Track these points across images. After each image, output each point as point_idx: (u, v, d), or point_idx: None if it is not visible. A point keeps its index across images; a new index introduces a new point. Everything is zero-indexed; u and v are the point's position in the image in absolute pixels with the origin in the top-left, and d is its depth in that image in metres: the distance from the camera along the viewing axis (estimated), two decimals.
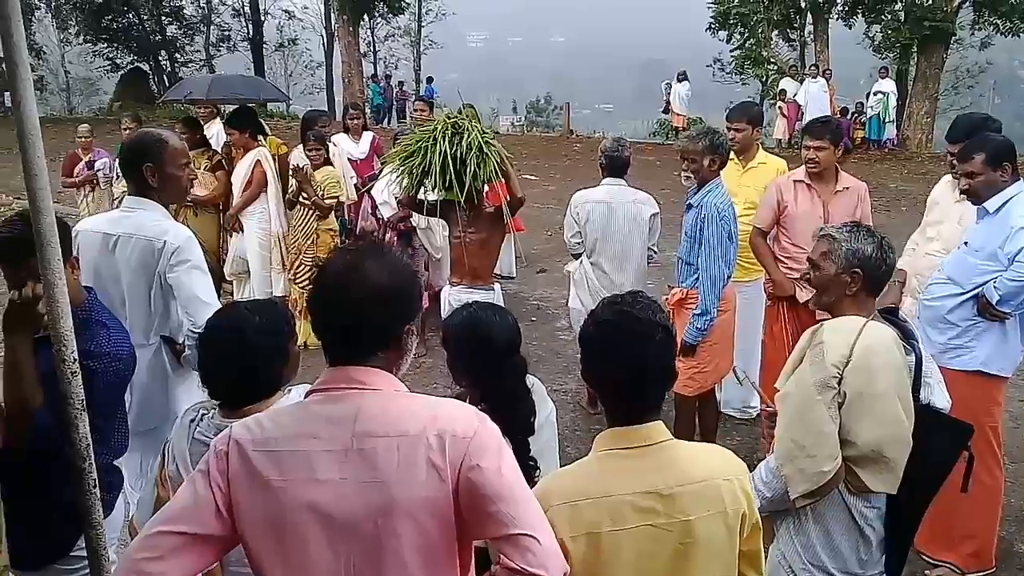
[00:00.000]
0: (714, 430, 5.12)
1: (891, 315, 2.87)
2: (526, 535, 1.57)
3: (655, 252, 5.75)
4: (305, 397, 1.77)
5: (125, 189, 7.37)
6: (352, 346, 1.74)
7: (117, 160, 8.34)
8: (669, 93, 21.86)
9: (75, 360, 2.42)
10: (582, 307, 5.64)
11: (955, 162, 4.21)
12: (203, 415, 2.42)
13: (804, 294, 4.91)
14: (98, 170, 8.82)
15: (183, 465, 2.39)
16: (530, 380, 2.90)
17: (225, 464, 1.68)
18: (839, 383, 2.62)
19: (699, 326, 4.58)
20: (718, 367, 4.87)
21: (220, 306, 3.49)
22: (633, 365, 1.93)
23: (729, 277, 4.68)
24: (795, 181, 5.02)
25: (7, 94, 23.01)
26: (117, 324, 2.87)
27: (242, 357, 2.30)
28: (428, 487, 1.62)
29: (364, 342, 1.74)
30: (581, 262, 5.72)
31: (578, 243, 5.65)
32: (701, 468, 1.95)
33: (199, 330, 3.33)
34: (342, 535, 1.64)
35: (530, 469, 2.62)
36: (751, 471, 2.76)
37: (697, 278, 4.63)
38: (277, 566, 1.67)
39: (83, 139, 9.01)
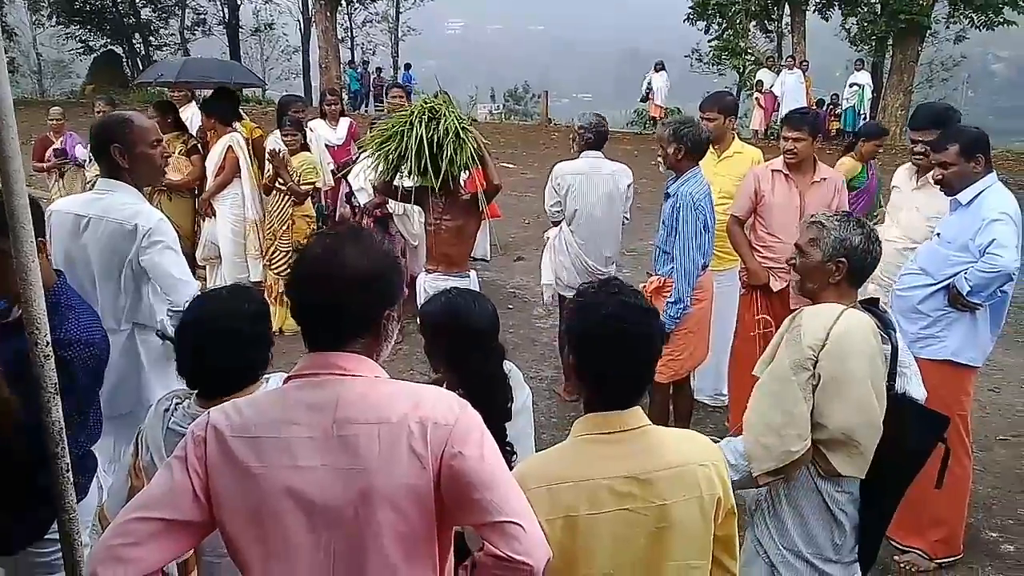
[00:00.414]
0: (688, 416, 5.16)
1: (872, 305, 2.90)
2: (511, 522, 1.58)
3: (627, 219, 6.01)
4: (284, 383, 1.75)
5: (94, 176, 7.33)
6: (333, 331, 1.72)
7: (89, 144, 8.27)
8: (649, 83, 21.84)
9: (48, 344, 2.39)
10: (554, 280, 6.00)
11: (916, 149, 4.35)
12: (177, 404, 2.39)
13: (778, 283, 4.96)
14: (76, 157, 8.70)
15: (157, 455, 2.37)
16: (507, 366, 2.91)
17: (203, 450, 1.66)
18: (814, 366, 2.63)
19: (672, 314, 4.62)
20: (693, 355, 4.91)
21: (195, 284, 3.49)
22: (621, 356, 1.93)
23: (705, 267, 4.70)
24: (773, 171, 5.05)
25: None
26: (87, 308, 2.83)
27: (222, 346, 2.27)
28: (409, 474, 1.62)
29: (345, 327, 1.72)
30: (561, 229, 5.92)
31: (558, 211, 5.88)
32: (678, 453, 1.97)
33: (179, 308, 3.33)
34: (322, 521, 1.63)
35: (507, 454, 2.62)
36: None
37: (672, 267, 4.66)
38: (257, 552, 1.66)
39: (55, 122, 8.89)
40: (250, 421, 1.67)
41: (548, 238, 6.20)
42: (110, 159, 3.30)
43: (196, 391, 2.38)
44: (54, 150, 8.68)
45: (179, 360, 2.37)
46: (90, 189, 7.16)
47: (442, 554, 1.73)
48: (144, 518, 1.64)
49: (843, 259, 2.78)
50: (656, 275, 4.81)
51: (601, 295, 2.02)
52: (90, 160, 8.07)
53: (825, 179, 4.99)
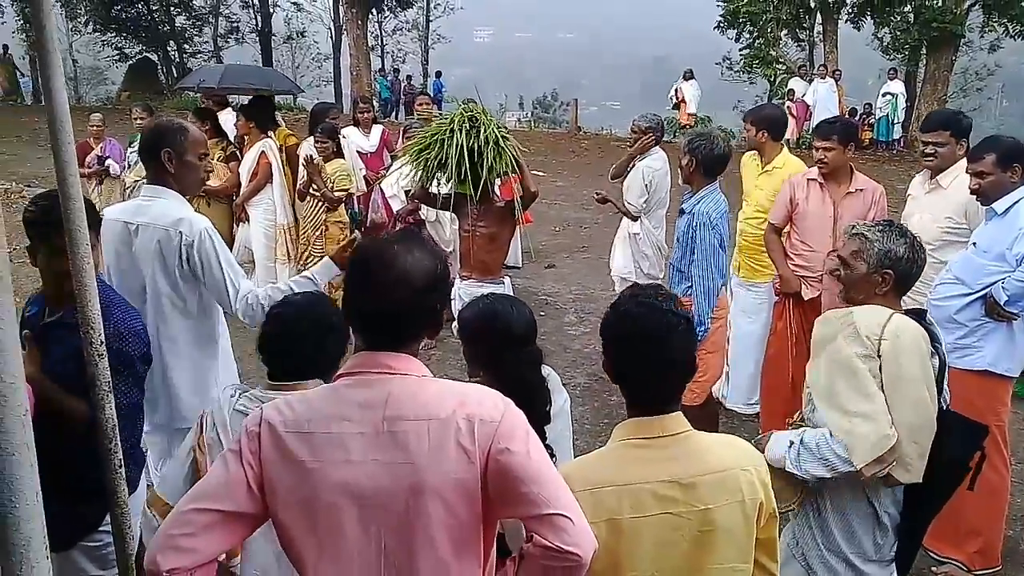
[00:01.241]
0: (715, 431, 5.16)
1: (918, 316, 2.91)
2: (560, 515, 1.62)
3: None
4: (334, 381, 1.81)
5: (137, 178, 7.47)
6: (389, 332, 1.78)
7: (129, 149, 8.41)
8: (679, 91, 21.78)
9: (102, 343, 2.47)
10: (633, 270, 6.54)
11: (926, 151, 4.49)
12: (242, 393, 2.53)
13: (809, 292, 4.96)
14: (111, 169, 8.85)
15: (223, 432, 2.48)
16: (545, 370, 2.94)
17: (257, 444, 1.72)
18: (878, 356, 2.64)
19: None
20: (713, 374, 4.92)
21: (243, 274, 3.57)
22: (657, 357, 1.96)
23: (723, 286, 4.68)
24: (808, 180, 5.03)
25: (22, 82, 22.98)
26: (125, 301, 2.92)
27: (311, 332, 2.47)
28: (457, 469, 1.67)
29: (402, 328, 1.78)
30: (641, 222, 6.46)
31: (644, 205, 6.37)
32: (720, 458, 1.99)
33: (246, 293, 3.40)
34: (374, 515, 1.68)
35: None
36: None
37: (689, 286, 4.57)
38: (310, 545, 1.71)
39: (95, 128, 9.05)
40: (303, 417, 1.73)
41: (625, 231, 6.68)
42: (159, 164, 3.37)
43: (269, 375, 2.54)
44: (97, 157, 8.83)
45: (265, 341, 2.54)
46: (131, 194, 7.33)
47: (487, 548, 1.78)
48: (201, 509, 1.70)
49: (889, 270, 2.78)
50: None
51: (629, 298, 2.09)
52: (130, 165, 8.23)
53: (862, 189, 4.94)
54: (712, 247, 4.48)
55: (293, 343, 2.50)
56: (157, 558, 1.67)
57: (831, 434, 2.69)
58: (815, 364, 2.83)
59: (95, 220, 2.76)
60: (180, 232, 3.31)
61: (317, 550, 1.71)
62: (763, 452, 2.63)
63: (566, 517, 1.63)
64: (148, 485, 3.12)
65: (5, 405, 1.09)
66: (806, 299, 4.99)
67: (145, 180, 3.62)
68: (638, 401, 2.04)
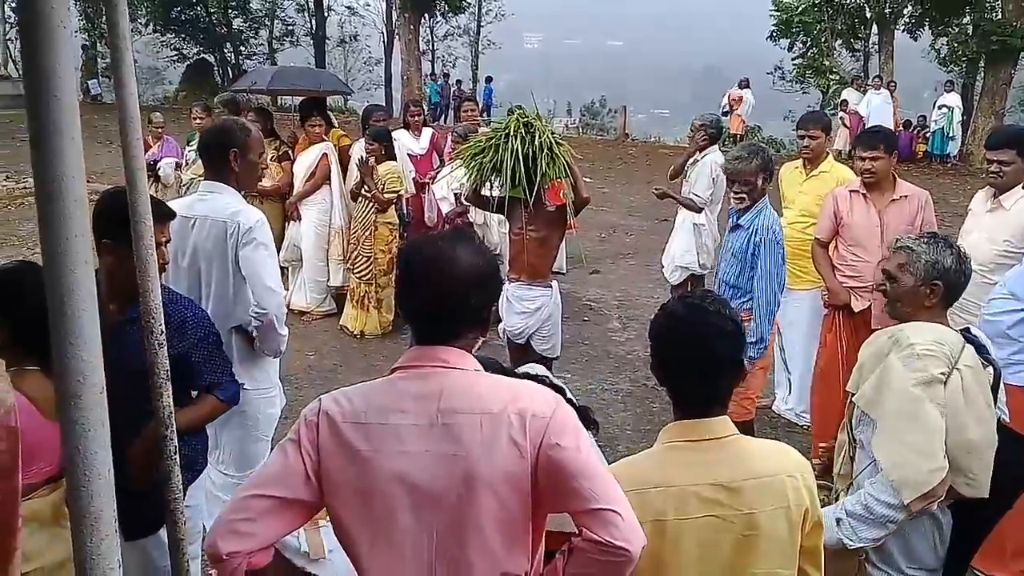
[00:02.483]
0: None
1: (964, 332, 2.87)
2: (610, 510, 1.65)
3: None
4: (390, 374, 1.86)
5: (193, 176, 7.64)
6: (446, 327, 1.83)
7: (187, 147, 8.59)
8: (730, 103, 21.60)
9: (162, 332, 2.54)
10: (695, 261, 7.02)
11: (991, 169, 4.41)
12: None
13: (859, 303, 4.91)
14: (160, 170, 9.04)
15: None
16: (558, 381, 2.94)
17: (315, 434, 1.77)
18: (945, 382, 2.59)
19: (752, 355, 4.42)
20: (758, 388, 4.90)
21: (282, 294, 3.65)
22: (703, 358, 1.98)
23: (779, 303, 4.64)
24: (851, 191, 4.99)
25: (90, 82, 23.63)
26: (183, 295, 3.04)
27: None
28: (509, 462, 1.70)
29: (457, 323, 1.83)
30: (705, 214, 6.94)
31: (710, 198, 6.81)
32: (766, 464, 2.00)
33: (263, 312, 3.48)
34: (427, 505, 1.72)
35: None
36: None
37: (744, 301, 4.53)
38: (364, 532, 1.76)
39: (156, 128, 9.27)
40: (360, 408, 1.78)
41: (689, 222, 7.05)
42: (223, 161, 3.47)
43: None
44: (153, 160, 9.01)
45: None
46: (186, 191, 7.50)
47: (535, 541, 1.81)
48: (260, 495, 1.76)
49: (937, 282, 2.75)
50: None
51: (678, 299, 2.13)
52: (187, 163, 8.40)
53: (906, 196, 4.88)
54: (776, 263, 4.44)
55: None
56: (217, 542, 1.73)
57: (876, 463, 2.63)
58: (867, 384, 2.76)
59: (162, 214, 2.84)
60: (237, 223, 3.41)
61: (370, 537, 1.75)
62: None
63: (616, 512, 1.65)
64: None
65: (84, 383, 1.14)
66: (856, 311, 4.93)
67: (203, 177, 3.72)
68: (684, 403, 2.06)
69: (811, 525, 2.03)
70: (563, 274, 8.61)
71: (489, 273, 1.86)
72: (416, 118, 8.35)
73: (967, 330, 2.90)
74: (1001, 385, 2.89)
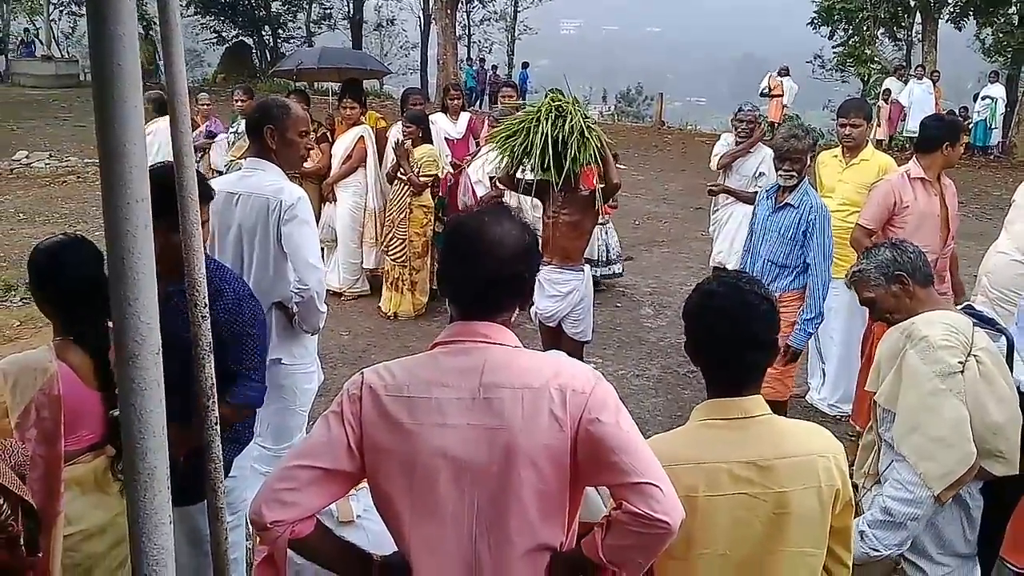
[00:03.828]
0: None
1: (967, 309, 2.88)
2: (649, 483, 1.68)
3: None
4: (431, 349, 1.89)
5: (232, 158, 7.74)
6: (482, 301, 1.86)
7: (231, 129, 8.70)
8: (771, 87, 21.34)
9: (206, 304, 2.60)
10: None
11: None
12: None
13: None
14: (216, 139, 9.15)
15: None
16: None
17: (358, 407, 1.81)
18: (962, 371, 2.60)
19: (810, 330, 4.61)
20: (795, 370, 4.95)
21: (323, 271, 3.71)
22: (737, 335, 1.99)
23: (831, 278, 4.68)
24: (912, 179, 4.90)
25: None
26: (229, 270, 3.06)
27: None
28: (549, 436, 1.74)
29: (502, 298, 1.86)
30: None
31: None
32: (798, 443, 2.01)
33: (305, 288, 3.53)
34: (468, 477, 1.76)
35: None
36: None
37: (792, 280, 4.63)
38: (406, 502, 1.79)
39: (203, 107, 9.39)
40: (403, 382, 1.81)
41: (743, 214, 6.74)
42: (262, 139, 3.53)
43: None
44: (208, 132, 9.12)
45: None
46: (235, 168, 7.59)
47: (571, 514, 1.85)
48: (304, 466, 1.80)
49: (898, 273, 2.81)
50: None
51: (712, 278, 2.16)
52: (231, 145, 8.50)
53: (947, 185, 4.95)
54: (830, 238, 4.58)
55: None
56: (263, 510, 1.77)
57: (896, 466, 2.63)
58: (886, 382, 2.76)
59: (206, 192, 2.88)
60: (280, 200, 3.47)
61: (412, 509, 1.79)
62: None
63: (656, 486, 1.68)
64: None
65: (142, 343, 1.18)
66: None
67: (246, 157, 3.79)
68: (717, 381, 2.08)
69: (842, 506, 2.04)
70: (620, 275, 8.52)
71: (532, 246, 1.89)
72: (456, 101, 8.36)
73: (969, 307, 2.91)
74: (1016, 354, 2.88)
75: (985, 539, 2.80)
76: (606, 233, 8.17)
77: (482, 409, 1.76)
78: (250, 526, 2.48)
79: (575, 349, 5.02)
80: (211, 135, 8.99)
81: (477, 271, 1.83)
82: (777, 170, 4.71)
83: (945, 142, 4.85)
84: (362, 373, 1.88)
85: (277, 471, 1.84)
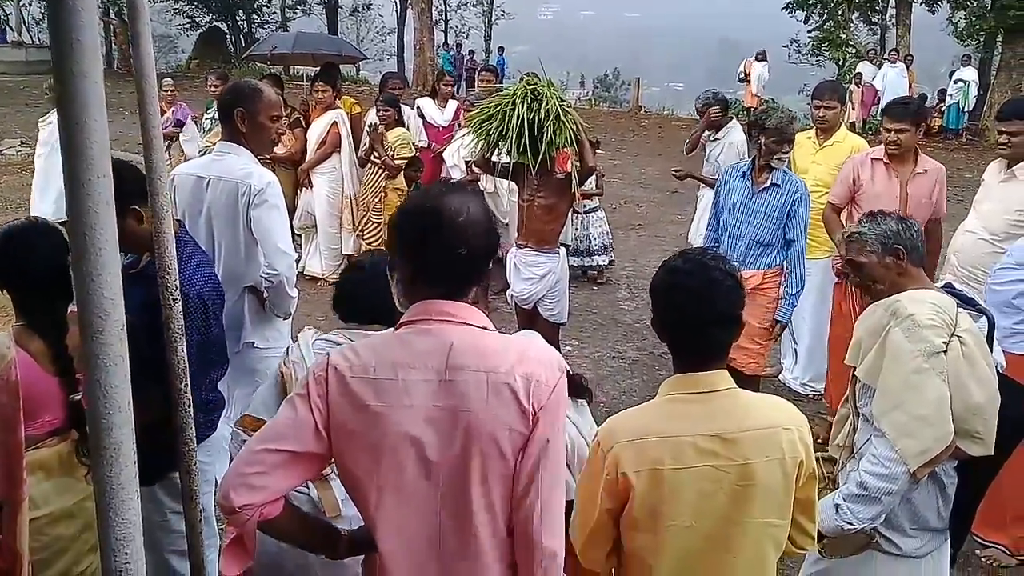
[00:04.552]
0: None
1: (948, 288, 2.90)
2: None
3: None
4: (395, 329, 1.87)
5: (209, 143, 7.68)
6: (457, 280, 1.83)
7: (205, 114, 8.63)
8: (747, 72, 21.40)
9: (176, 288, 2.60)
10: None
11: (1000, 140, 4.46)
12: (322, 335, 2.62)
13: None
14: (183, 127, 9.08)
15: (307, 356, 2.61)
16: None
17: (324, 388, 1.79)
18: (946, 351, 2.60)
19: (795, 303, 4.73)
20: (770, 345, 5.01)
21: (294, 255, 3.70)
22: (702, 312, 2.02)
23: None
24: (873, 159, 4.98)
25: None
26: (199, 259, 2.99)
27: (380, 290, 2.40)
28: (512, 419, 1.75)
29: (466, 276, 1.84)
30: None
31: None
32: (762, 416, 2.05)
33: (274, 273, 3.53)
34: (433, 458, 1.76)
35: None
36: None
37: (774, 257, 4.71)
38: (373, 484, 1.79)
39: (167, 93, 9.29)
40: (369, 363, 1.79)
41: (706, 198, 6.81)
42: (232, 123, 3.51)
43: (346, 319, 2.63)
44: (176, 121, 9.04)
45: (341, 288, 2.65)
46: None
47: None
48: (272, 449, 1.78)
49: (896, 247, 2.78)
50: (752, 271, 4.70)
51: (678, 255, 2.16)
52: (206, 131, 8.43)
53: (927, 171, 4.89)
54: (809, 215, 4.70)
55: (371, 288, 2.45)
56: (231, 494, 1.76)
57: (874, 441, 2.65)
58: (869, 357, 2.76)
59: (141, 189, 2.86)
60: (249, 184, 3.45)
61: (379, 490, 1.79)
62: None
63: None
64: None
65: (106, 319, 1.18)
66: None
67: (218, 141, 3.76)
68: (683, 357, 2.11)
69: (805, 477, 2.08)
70: (601, 267, 8.44)
71: (491, 222, 1.87)
72: (448, 88, 8.33)
73: (949, 286, 2.93)
74: (997, 342, 2.91)
75: (955, 514, 2.84)
76: (587, 222, 8.13)
77: (448, 391, 1.76)
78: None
79: (550, 331, 5.05)
80: (179, 123, 8.90)
81: (442, 251, 1.79)
82: (773, 153, 4.67)
83: (920, 126, 4.89)
84: (327, 354, 1.86)
85: (244, 454, 1.82)
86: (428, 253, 1.82)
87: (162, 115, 9.08)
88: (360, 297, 2.62)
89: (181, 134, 9.04)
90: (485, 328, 1.86)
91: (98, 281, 1.19)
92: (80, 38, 1.13)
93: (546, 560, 1.78)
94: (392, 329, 1.89)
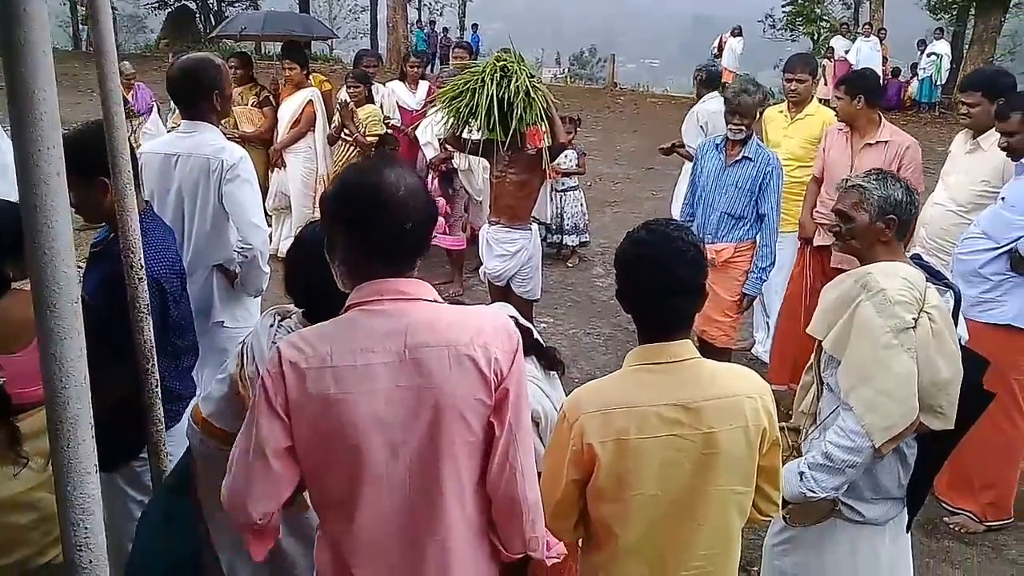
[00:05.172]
0: None
1: (915, 259, 2.91)
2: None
3: None
4: (345, 311, 1.82)
5: (175, 124, 7.58)
6: (398, 257, 1.80)
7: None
8: (721, 46, 21.39)
9: (142, 267, 2.59)
10: None
11: (960, 111, 4.56)
12: (280, 321, 2.39)
13: (820, 239, 5.10)
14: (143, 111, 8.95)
15: (262, 366, 2.49)
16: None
17: (282, 385, 1.74)
18: (915, 327, 2.61)
19: (765, 278, 4.75)
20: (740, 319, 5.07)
21: (267, 230, 3.67)
22: (665, 282, 2.03)
23: None
24: (838, 130, 5.10)
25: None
26: (162, 241, 2.92)
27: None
28: (476, 390, 1.76)
29: (411, 250, 1.81)
30: None
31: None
32: (726, 385, 2.07)
33: (249, 247, 3.50)
34: (401, 438, 1.75)
35: None
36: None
37: (746, 230, 4.72)
38: (341, 473, 1.77)
39: (127, 78, 9.13)
40: (324, 352, 1.75)
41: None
42: (205, 102, 3.46)
43: (301, 308, 2.37)
44: (131, 102, 8.90)
45: (289, 282, 2.36)
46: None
47: None
48: (263, 460, 1.76)
49: (892, 216, 2.75)
50: (724, 244, 4.74)
51: (642, 226, 2.15)
52: (172, 111, 8.32)
53: (885, 142, 4.93)
54: (782, 188, 4.71)
55: (315, 283, 2.16)
56: (250, 510, 1.78)
57: (842, 414, 2.66)
58: (836, 329, 2.75)
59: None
60: (221, 160, 3.42)
61: (347, 478, 1.77)
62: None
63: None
64: None
65: (59, 292, 1.18)
66: (815, 245, 5.17)
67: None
68: (648, 327, 2.12)
69: (769, 445, 2.10)
70: (578, 247, 8.42)
71: (427, 191, 1.86)
72: (415, 69, 8.11)
73: (917, 257, 2.94)
74: (961, 315, 2.94)
75: (913, 482, 2.89)
76: (563, 201, 8.12)
77: (410, 370, 1.74)
78: None
79: (524, 307, 5.06)
80: (146, 109, 8.77)
81: (387, 225, 1.75)
82: (727, 124, 4.73)
83: (857, 96, 4.95)
84: (277, 348, 1.79)
85: (237, 470, 1.81)
86: (372, 232, 1.77)
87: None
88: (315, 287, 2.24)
89: (144, 128, 8.89)
90: (436, 301, 1.84)
91: (51, 254, 1.18)
92: (28, 8, 1.12)
93: (531, 512, 1.85)
94: (342, 313, 1.83)
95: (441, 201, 6.87)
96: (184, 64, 3.58)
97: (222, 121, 3.90)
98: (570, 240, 8.20)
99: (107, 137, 2.48)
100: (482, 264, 5.47)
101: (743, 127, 4.65)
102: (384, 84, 8.18)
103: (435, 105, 5.50)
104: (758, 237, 4.72)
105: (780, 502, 2.24)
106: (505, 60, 5.00)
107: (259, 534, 1.86)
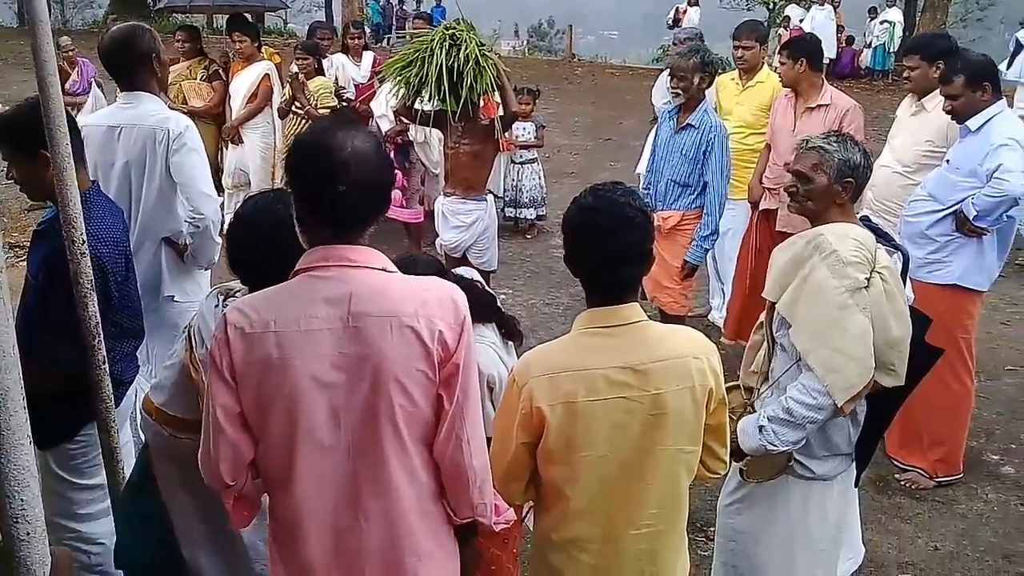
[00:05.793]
0: None
1: (863, 220, 2.95)
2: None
3: None
4: (292, 276, 1.81)
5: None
6: (340, 221, 1.78)
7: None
8: (678, 17, 21.34)
9: (84, 242, 2.54)
10: None
11: (904, 75, 4.70)
12: (224, 300, 2.34)
13: (767, 203, 5.22)
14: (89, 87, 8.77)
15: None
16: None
17: (227, 351, 1.76)
18: (868, 287, 2.63)
19: (707, 247, 4.75)
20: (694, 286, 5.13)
21: (217, 199, 3.62)
22: (613, 247, 2.03)
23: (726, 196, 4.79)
24: (785, 96, 5.18)
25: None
26: (112, 210, 2.90)
27: (277, 237, 2.03)
28: (418, 361, 1.76)
29: (353, 215, 1.78)
30: None
31: (664, 107, 6.90)
32: (673, 346, 2.08)
33: (200, 217, 3.45)
34: (342, 404, 1.76)
35: None
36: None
37: (694, 199, 4.69)
38: (283, 437, 1.78)
39: (67, 52, 8.92)
40: (268, 317, 1.76)
41: None
42: (147, 70, 3.39)
43: (247, 285, 2.28)
44: (76, 76, 8.70)
45: (231, 253, 2.28)
46: None
47: None
48: (222, 430, 1.80)
49: (850, 179, 2.77)
50: (672, 211, 4.75)
51: (589, 191, 2.15)
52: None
53: (826, 105, 5.00)
54: (729, 157, 4.69)
55: (261, 249, 2.13)
56: (222, 475, 1.83)
57: (799, 366, 2.70)
58: (790, 290, 2.76)
59: (75, 129, 2.74)
60: (167, 129, 3.35)
61: (287, 443, 1.78)
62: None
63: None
64: None
65: None
66: (760, 208, 5.26)
67: None
68: (595, 292, 2.12)
69: (715, 404, 2.13)
70: (543, 218, 8.41)
71: (380, 157, 1.82)
72: (356, 41, 7.95)
73: (865, 218, 2.98)
74: (908, 276, 3.00)
75: (862, 439, 2.95)
76: (521, 173, 8.10)
77: (352, 337, 1.74)
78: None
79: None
80: (88, 86, 8.59)
81: (326, 186, 1.73)
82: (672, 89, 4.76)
83: (799, 59, 5.01)
84: (224, 314, 1.81)
85: (204, 437, 1.85)
86: (310, 191, 1.77)
87: (66, 78, 8.72)
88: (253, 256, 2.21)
89: (85, 107, 8.69)
90: (385, 270, 1.83)
91: None
92: None
93: (479, 479, 1.87)
94: (291, 277, 1.83)
95: (398, 174, 6.82)
96: (114, 34, 3.50)
97: (171, 97, 3.81)
98: (527, 214, 8.20)
99: (43, 109, 2.43)
100: (439, 236, 5.45)
101: (678, 90, 4.67)
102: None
103: (382, 76, 5.45)
104: (704, 205, 4.71)
105: (728, 459, 2.27)
106: (455, 29, 4.96)
107: (239, 501, 1.91)
